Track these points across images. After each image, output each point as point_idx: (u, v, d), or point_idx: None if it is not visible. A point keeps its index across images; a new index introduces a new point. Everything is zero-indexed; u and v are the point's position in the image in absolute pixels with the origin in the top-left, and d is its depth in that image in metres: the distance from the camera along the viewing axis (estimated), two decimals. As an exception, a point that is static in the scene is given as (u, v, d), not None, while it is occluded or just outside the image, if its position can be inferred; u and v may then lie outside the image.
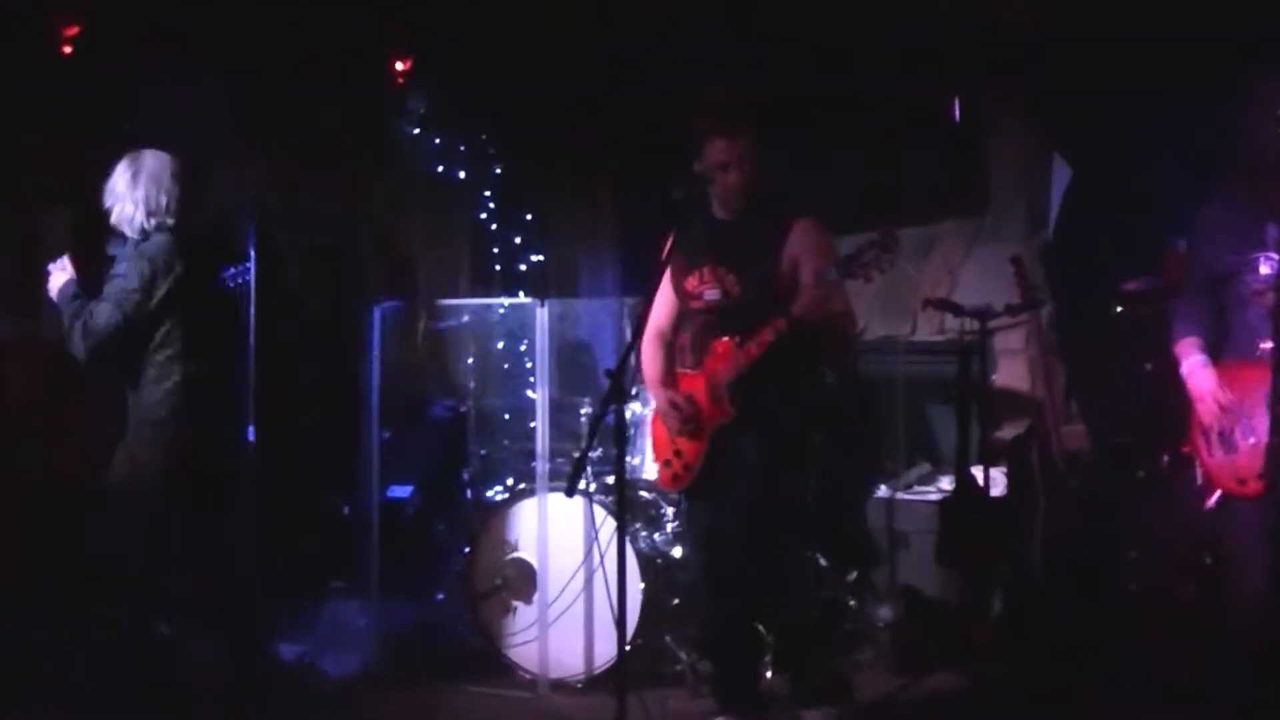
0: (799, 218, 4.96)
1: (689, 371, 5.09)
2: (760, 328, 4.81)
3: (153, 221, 5.19)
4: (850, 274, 4.70)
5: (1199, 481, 4.79)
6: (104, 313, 5.09)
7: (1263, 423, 4.51)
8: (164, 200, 5.19)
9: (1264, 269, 4.59)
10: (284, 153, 7.44)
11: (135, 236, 5.20)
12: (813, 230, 4.94)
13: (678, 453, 5.08)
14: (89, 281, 5.27)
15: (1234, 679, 4.72)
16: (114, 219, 5.25)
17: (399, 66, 7.69)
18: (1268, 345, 4.53)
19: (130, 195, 5.20)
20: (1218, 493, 4.67)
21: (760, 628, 5.33)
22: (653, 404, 5.26)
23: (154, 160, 5.24)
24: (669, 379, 5.15)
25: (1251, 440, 4.58)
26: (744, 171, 4.95)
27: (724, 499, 5.02)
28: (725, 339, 4.92)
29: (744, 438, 4.92)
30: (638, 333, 4.75)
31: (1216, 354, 4.75)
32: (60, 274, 5.25)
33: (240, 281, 5.40)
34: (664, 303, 5.17)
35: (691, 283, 5.05)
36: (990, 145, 7.31)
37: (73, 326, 5.15)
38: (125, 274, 5.12)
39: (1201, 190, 5.01)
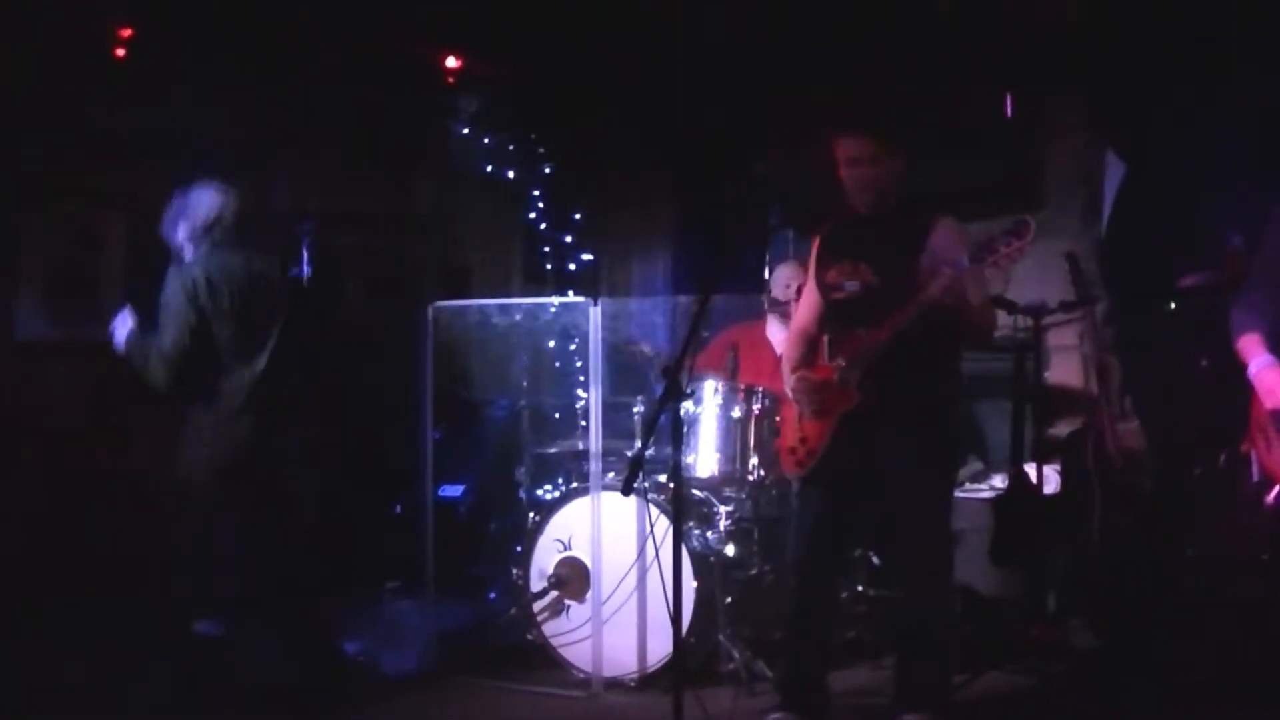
0: (939, 215, 4.94)
1: (826, 363, 5.06)
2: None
3: (201, 250, 5.42)
4: (980, 260, 4.67)
5: (1255, 478, 4.76)
6: (169, 335, 5.29)
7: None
8: (215, 230, 5.42)
9: None
10: (335, 156, 7.49)
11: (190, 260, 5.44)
12: (952, 229, 4.91)
13: (803, 438, 5.06)
14: (147, 286, 5.44)
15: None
16: (173, 249, 5.47)
17: (450, 65, 7.73)
18: None
19: (182, 228, 5.44)
20: (1277, 488, 4.64)
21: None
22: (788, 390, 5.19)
23: (200, 193, 5.46)
24: (805, 366, 5.13)
25: (1310, 436, 4.56)
26: (879, 166, 4.95)
27: (841, 488, 5.01)
28: (860, 330, 4.91)
29: (872, 430, 4.89)
30: (693, 330, 4.74)
31: (1276, 352, 4.72)
32: (123, 328, 5.43)
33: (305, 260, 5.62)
34: (809, 301, 5.21)
35: (832, 275, 5.05)
36: (1045, 142, 7.26)
37: (146, 361, 5.34)
38: (172, 293, 5.32)
39: (1257, 186, 4.98)
